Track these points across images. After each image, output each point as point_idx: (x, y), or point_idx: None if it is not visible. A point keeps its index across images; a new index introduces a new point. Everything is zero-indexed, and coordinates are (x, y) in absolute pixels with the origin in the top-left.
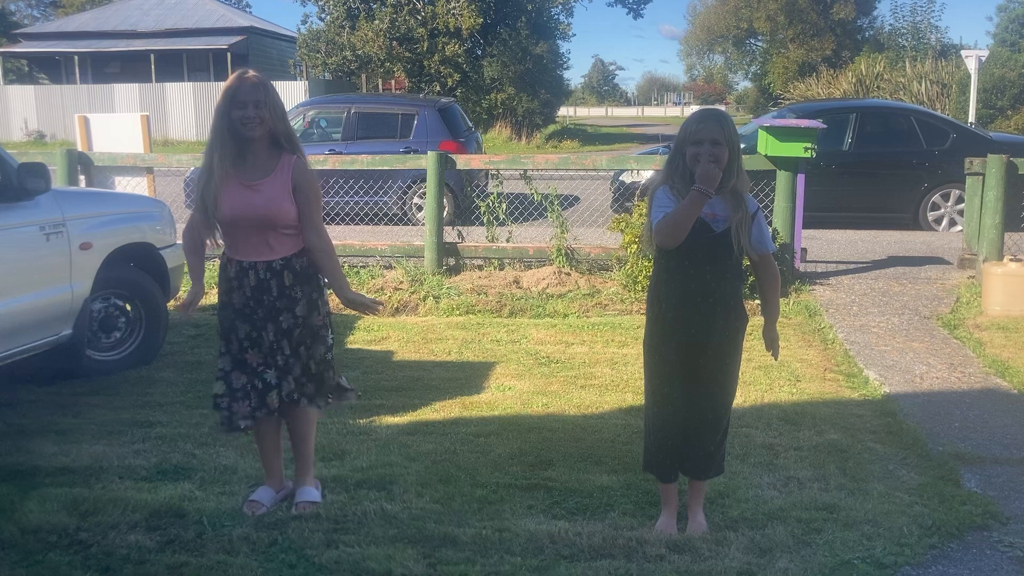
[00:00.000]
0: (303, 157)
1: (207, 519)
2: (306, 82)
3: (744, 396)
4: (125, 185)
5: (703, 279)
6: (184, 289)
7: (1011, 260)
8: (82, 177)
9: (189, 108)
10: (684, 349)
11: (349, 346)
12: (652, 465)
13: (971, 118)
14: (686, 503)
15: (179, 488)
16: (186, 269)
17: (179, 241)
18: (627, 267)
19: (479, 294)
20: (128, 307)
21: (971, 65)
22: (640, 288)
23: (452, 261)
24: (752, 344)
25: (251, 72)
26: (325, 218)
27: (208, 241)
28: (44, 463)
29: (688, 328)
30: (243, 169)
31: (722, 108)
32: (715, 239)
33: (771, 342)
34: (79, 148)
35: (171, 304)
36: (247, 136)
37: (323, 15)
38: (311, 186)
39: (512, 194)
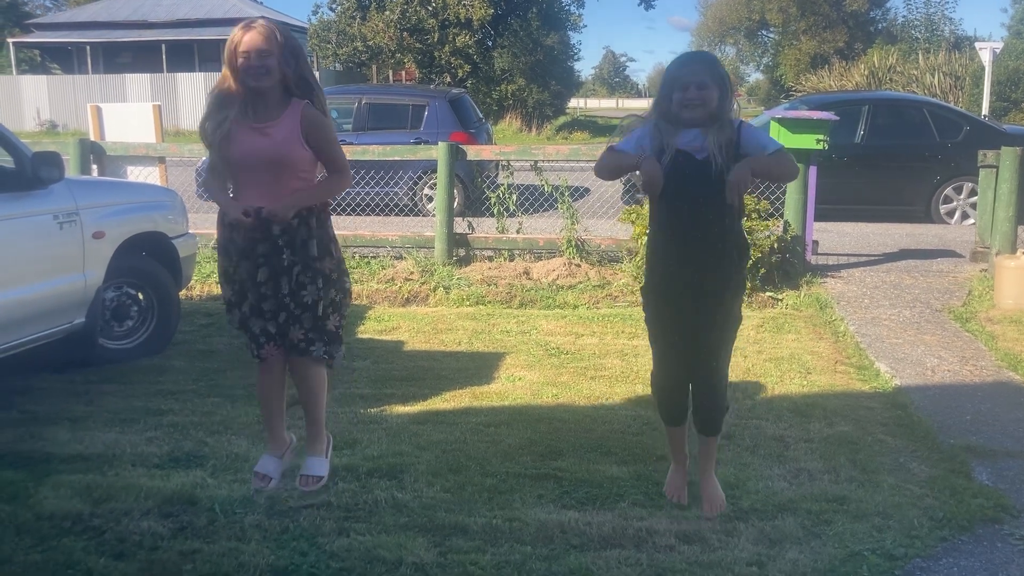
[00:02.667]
0: (318, 98)
1: (219, 506)
2: (317, 73)
3: (755, 388)
4: (137, 174)
5: (698, 210)
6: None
7: None
8: (95, 166)
9: (200, 98)
10: (686, 286)
11: (359, 335)
12: (662, 405)
13: (984, 111)
14: (696, 481)
15: (191, 475)
16: (197, 258)
17: (191, 231)
18: (637, 259)
19: (489, 285)
20: (140, 296)
21: (985, 57)
22: None
23: (462, 252)
24: (763, 336)
25: (259, 21)
26: (335, 209)
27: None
28: (58, 450)
29: (689, 263)
30: (254, 115)
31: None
32: (699, 166)
33: (741, 170)
34: (91, 138)
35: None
36: (253, 86)
37: (334, 6)
38: (322, 128)
39: (522, 185)
